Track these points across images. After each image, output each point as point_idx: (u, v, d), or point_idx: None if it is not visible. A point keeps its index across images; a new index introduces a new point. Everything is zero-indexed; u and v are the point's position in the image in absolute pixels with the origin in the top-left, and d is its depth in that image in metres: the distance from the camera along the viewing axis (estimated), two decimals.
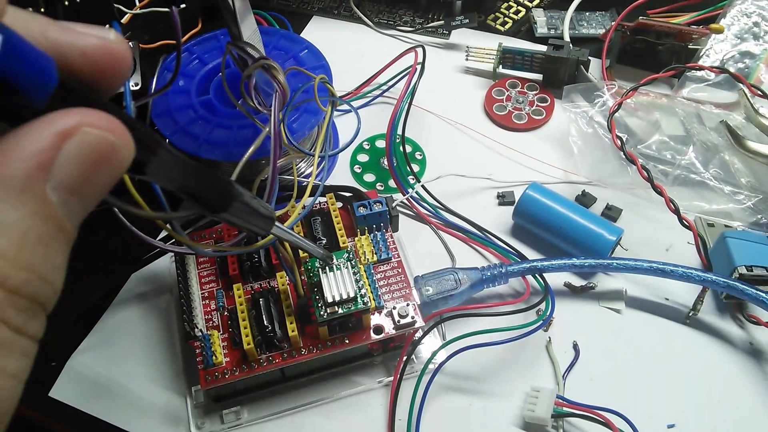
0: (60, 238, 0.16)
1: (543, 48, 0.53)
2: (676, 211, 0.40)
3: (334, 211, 0.42)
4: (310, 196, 0.38)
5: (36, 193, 0.15)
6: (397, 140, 0.49)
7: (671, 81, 0.53)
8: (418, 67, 0.49)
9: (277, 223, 0.29)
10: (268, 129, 0.32)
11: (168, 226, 0.28)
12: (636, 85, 0.47)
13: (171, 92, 0.46)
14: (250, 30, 0.38)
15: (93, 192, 0.17)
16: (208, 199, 0.23)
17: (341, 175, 0.50)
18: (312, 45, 0.48)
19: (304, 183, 0.40)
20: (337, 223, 0.41)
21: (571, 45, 0.52)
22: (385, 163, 0.50)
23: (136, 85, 0.47)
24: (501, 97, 0.54)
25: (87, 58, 0.18)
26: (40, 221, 0.15)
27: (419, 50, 0.50)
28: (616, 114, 0.48)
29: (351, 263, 0.36)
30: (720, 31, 0.51)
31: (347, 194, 0.43)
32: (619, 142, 0.44)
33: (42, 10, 0.44)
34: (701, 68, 0.49)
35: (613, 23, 0.54)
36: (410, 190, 0.46)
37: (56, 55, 0.17)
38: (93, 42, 0.18)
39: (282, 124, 0.33)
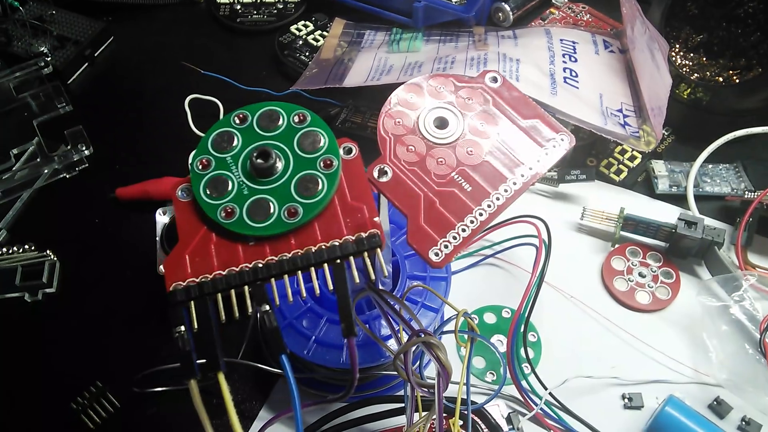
0: None
1: (670, 217, 0.49)
2: None
3: None
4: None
5: None
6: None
7: None
8: (544, 243, 0.45)
9: None
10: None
11: None
12: None
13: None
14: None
15: None
16: None
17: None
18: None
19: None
20: None
21: (704, 222, 0.48)
22: (499, 347, 0.46)
23: None
24: (621, 269, 0.49)
25: None
26: None
27: (540, 225, 0.46)
28: (755, 306, 0.44)
29: None
30: None
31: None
32: None
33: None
34: None
35: (749, 195, 0.49)
36: (539, 401, 0.42)
37: None
38: None
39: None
